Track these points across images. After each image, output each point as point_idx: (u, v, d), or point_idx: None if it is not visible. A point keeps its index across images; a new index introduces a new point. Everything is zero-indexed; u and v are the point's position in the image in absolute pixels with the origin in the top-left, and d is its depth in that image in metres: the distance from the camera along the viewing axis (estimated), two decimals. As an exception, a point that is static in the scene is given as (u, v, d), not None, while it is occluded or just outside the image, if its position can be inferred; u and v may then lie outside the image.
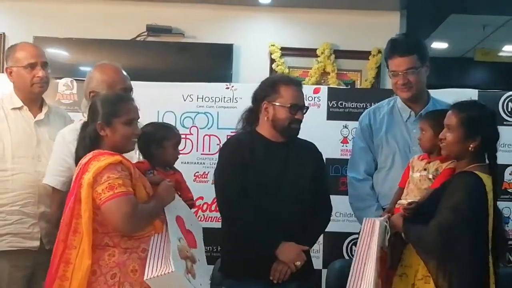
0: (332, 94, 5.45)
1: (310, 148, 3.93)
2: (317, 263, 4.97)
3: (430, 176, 3.55)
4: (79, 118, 4.05)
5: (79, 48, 7.01)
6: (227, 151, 3.83)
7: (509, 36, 10.11)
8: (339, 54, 7.12)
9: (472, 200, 3.24)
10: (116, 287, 3.07)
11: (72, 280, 3.03)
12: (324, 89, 5.47)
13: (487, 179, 3.29)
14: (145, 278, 3.03)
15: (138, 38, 7.10)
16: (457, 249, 3.19)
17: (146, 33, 7.08)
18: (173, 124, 5.11)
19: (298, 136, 3.85)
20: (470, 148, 3.33)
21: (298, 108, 3.73)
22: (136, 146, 3.46)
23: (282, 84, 3.75)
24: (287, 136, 3.77)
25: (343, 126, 5.31)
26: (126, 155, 3.27)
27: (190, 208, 3.59)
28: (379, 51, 6.93)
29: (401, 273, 3.45)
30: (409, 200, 3.53)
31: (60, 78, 5.58)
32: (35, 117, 4.09)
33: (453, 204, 3.22)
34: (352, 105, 5.38)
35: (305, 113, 3.79)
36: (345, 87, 6.92)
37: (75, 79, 5.60)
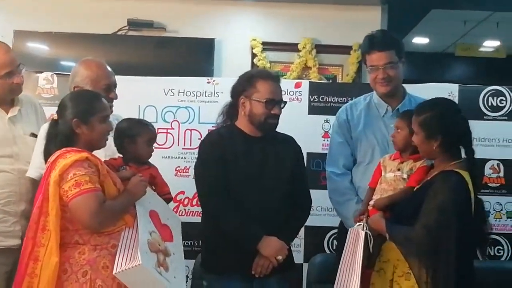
0: (314, 88, 5.45)
1: (289, 142, 3.92)
2: (298, 257, 4.99)
3: (405, 176, 3.55)
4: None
5: (60, 42, 6.97)
6: (207, 145, 3.82)
7: (489, 31, 10.16)
8: (321, 48, 7.14)
9: (457, 200, 3.24)
10: (87, 285, 3.07)
11: (41, 277, 3.03)
12: (305, 84, 5.47)
13: (467, 176, 3.30)
14: (113, 272, 3.03)
15: (119, 33, 7.07)
16: (443, 249, 3.18)
17: (127, 28, 7.06)
18: (154, 119, 5.16)
19: (280, 130, 3.86)
20: (434, 148, 3.35)
21: (275, 103, 3.73)
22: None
23: (259, 79, 3.75)
24: (264, 131, 3.78)
25: (325, 120, 5.32)
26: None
27: (168, 202, 3.60)
28: (360, 46, 6.94)
29: (379, 269, 3.45)
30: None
31: (41, 72, 5.55)
32: (7, 114, 4.04)
33: (438, 205, 3.21)
34: (334, 99, 5.38)
35: (283, 108, 3.79)
36: (326, 82, 6.95)
37: (56, 73, 5.58)
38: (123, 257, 3.06)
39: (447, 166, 3.36)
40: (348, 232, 3.56)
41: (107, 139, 3.37)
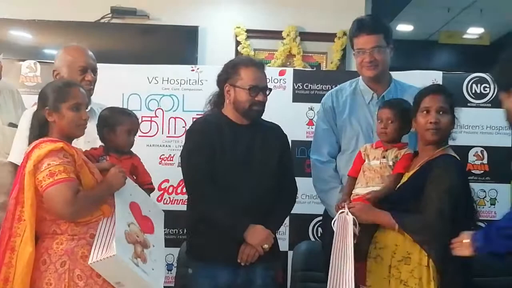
0: (298, 76, 5.46)
1: (275, 130, 3.92)
2: (283, 245, 4.99)
3: (390, 163, 3.58)
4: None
5: (43, 30, 6.90)
6: (194, 133, 3.81)
7: (473, 19, 10.20)
8: (305, 36, 7.11)
9: (463, 182, 3.33)
10: (66, 275, 3.07)
11: (17, 267, 3.04)
12: (289, 71, 5.47)
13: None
14: (89, 262, 3.05)
15: (102, 20, 7.01)
16: (455, 232, 3.18)
17: (110, 15, 6.99)
18: (138, 107, 5.14)
19: (264, 118, 3.86)
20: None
21: (259, 90, 3.73)
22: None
23: (242, 66, 3.75)
24: (249, 118, 3.78)
25: (309, 108, 5.33)
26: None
27: (150, 193, 3.59)
28: (345, 33, 6.92)
29: (375, 256, 3.46)
30: (371, 188, 3.57)
31: (24, 60, 5.52)
32: None
33: (447, 188, 3.24)
34: (318, 87, 5.39)
35: (268, 94, 3.79)
36: (310, 69, 6.94)
37: (39, 62, 5.55)
38: (99, 247, 3.06)
39: (435, 152, 3.40)
40: (336, 221, 3.54)
41: (85, 127, 3.33)
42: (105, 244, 3.06)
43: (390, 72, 4.15)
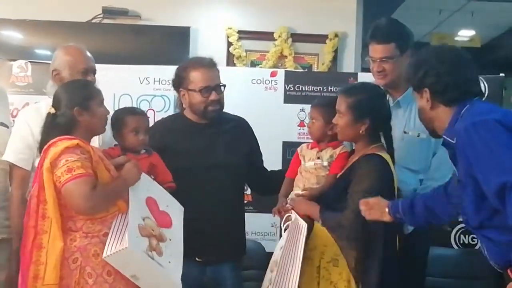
0: (289, 77, 5.48)
1: (238, 123, 3.95)
2: (273, 247, 4.98)
3: (325, 164, 3.58)
4: (35, 101, 4.01)
5: (34, 30, 6.88)
6: (150, 137, 3.73)
7: (465, 21, 10.22)
8: (297, 37, 7.11)
9: (382, 182, 3.32)
10: (77, 271, 3.10)
11: (48, 263, 3.07)
12: (281, 73, 5.49)
13: (389, 158, 3.39)
14: (103, 256, 3.07)
15: (93, 21, 7.00)
16: (372, 231, 3.25)
17: (102, 15, 6.99)
18: (129, 107, 5.13)
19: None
20: (361, 132, 3.40)
21: (211, 89, 3.72)
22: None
23: (191, 69, 3.77)
24: (208, 119, 3.79)
25: (300, 109, 5.33)
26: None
27: (171, 191, 3.55)
28: (336, 35, 6.97)
29: (305, 257, 3.40)
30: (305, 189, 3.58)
31: (14, 60, 5.51)
32: None
33: (365, 188, 3.26)
34: (309, 88, 5.41)
35: (223, 91, 3.78)
36: (302, 71, 6.92)
37: (30, 61, 5.55)
38: (112, 242, 3.09)
39: (368, 150, 3.41)
40: (291, 222, 3.49)
41: (106, 123, 3.42)
42: (119, 238, 3.09)
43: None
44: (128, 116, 3.58)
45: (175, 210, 3.49)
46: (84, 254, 3.12)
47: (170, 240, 3.31)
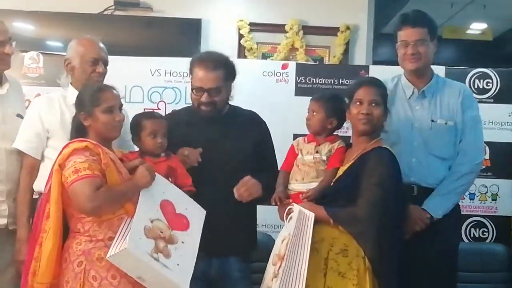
0: (300, 70, 5.47)
1: (251, 118, 3.90)
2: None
3: (324, 158, 3.59)
4: (46, 92, 4.10)
5: (45, 21, 6.92)
6: None
7: (476, 14, 10.17)
8: (308, 30, 7.12)
9: (394, 174, 3.38)
10: (82, 275, 3.14)
11: (41, 260, 3.15)
12: (292, 65, 5.47)
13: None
14: (107, 257, 3.09)
15: (105, 12, 7.03)
16: (387, 222, 3.27)
17: (113, 7, 7.01)
18: (141, 99, 5.15)
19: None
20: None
21: (204, 91, 3.65)
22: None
23: (194, 64, 3.72)
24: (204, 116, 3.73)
25: (311, 102, 5.32)
26: None
27: (190, 195, 3.50)
28: (348, 28, 6.96)
29: (311, 249, 3.37)
30: (307, 184, 3.57)
31: (26, 51, 5.53)
32: None
33: (378, 180, 3.30)
34: (320, 81, 5.40)
35: (219, 95, 3.68)
36: (313, 63, 6.93)
37: (42, 53, 5.56)
38: (117, 243, 3.11)
39: (368, 144, 3.46)
40: (297, 214, 3.44)
41: (121, 128, 3.43)
42: (123, 239, 3.10)
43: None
44: (145, 120, 3.55)
45: (195, 213, 3.46)
46: (89, 258, 3.16)
47: (183, 242, 3.30)
